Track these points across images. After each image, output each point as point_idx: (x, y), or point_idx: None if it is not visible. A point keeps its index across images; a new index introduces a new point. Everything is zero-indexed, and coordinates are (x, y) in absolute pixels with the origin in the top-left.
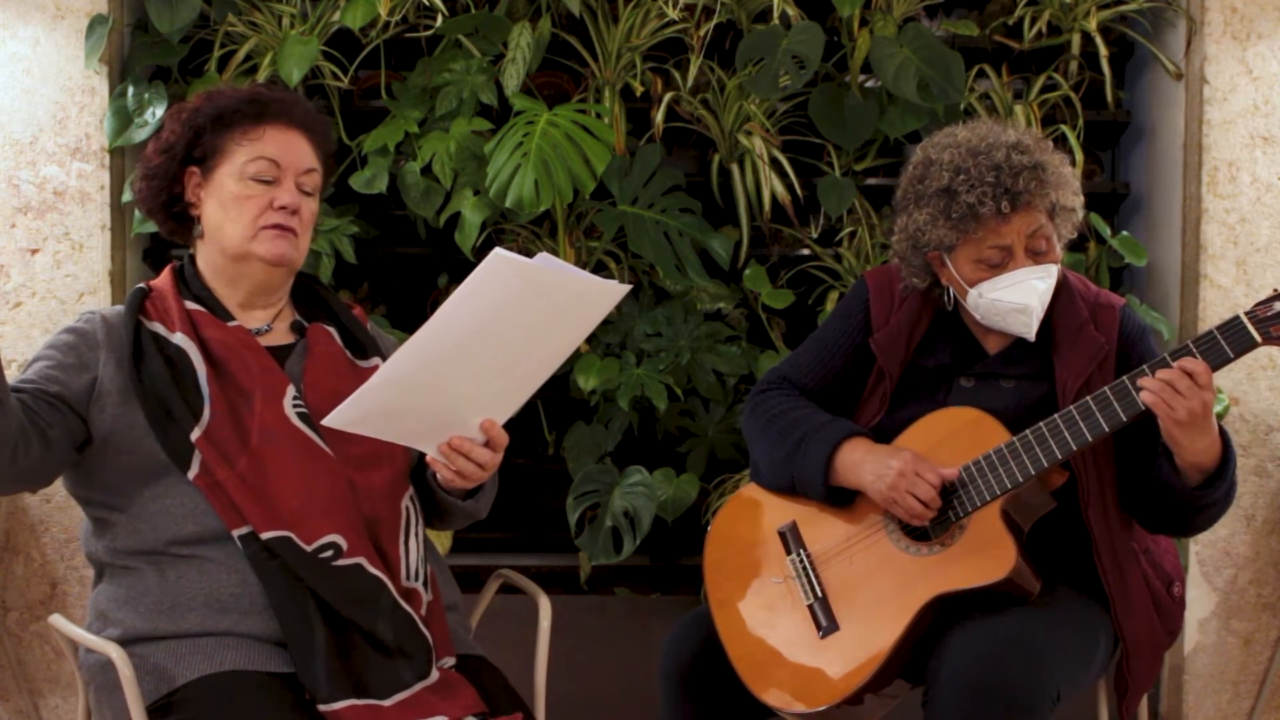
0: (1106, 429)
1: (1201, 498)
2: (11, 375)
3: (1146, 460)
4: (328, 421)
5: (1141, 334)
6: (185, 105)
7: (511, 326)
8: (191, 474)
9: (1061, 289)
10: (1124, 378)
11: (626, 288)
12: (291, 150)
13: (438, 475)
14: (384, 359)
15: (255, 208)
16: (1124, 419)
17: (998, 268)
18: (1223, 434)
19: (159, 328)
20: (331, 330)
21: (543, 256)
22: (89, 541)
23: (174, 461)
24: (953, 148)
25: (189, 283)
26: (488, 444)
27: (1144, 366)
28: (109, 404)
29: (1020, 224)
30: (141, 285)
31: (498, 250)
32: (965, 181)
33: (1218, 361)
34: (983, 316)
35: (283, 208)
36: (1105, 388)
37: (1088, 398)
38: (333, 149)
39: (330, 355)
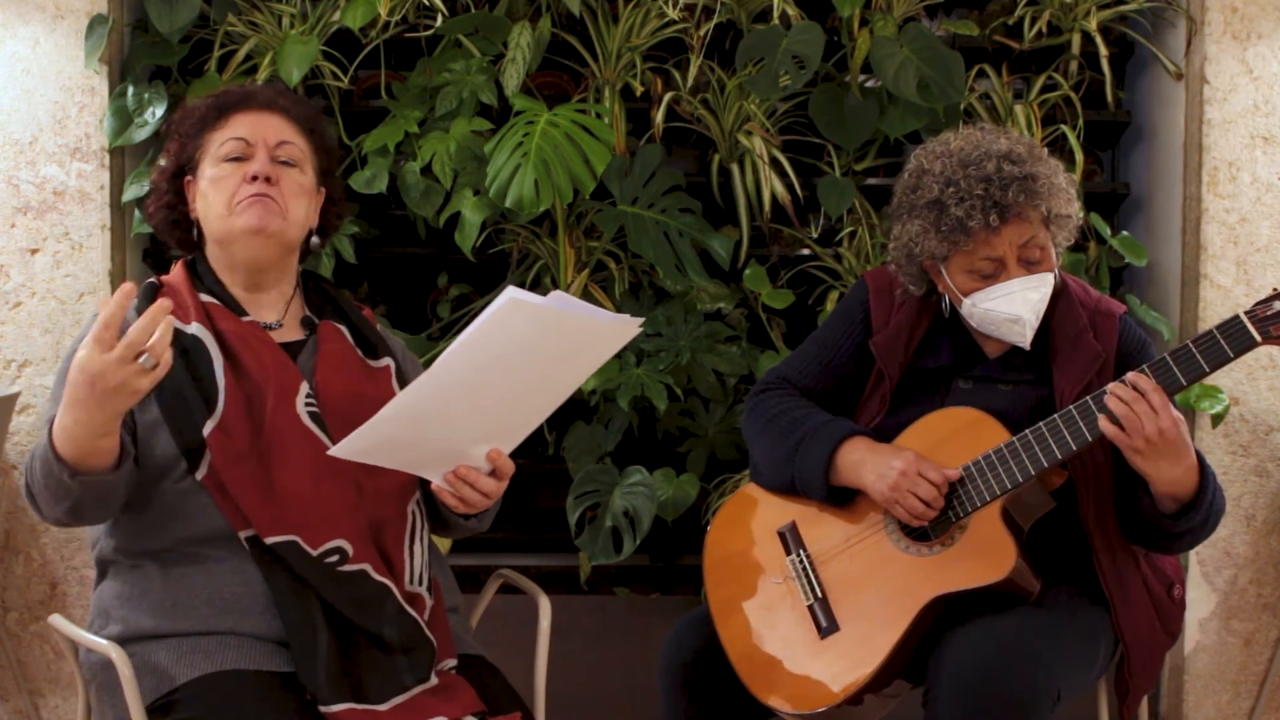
0: None
1: (1173, 526)
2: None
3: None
4: (335, 452)
5: (1141, 345)
6: (170, 122)
7: (523, 364)
8: (200, 474)
9: (1061, 295)
10: (1123, 377)
11: (639, 322)
12: (259, 126)
13: (439, 500)
14: (394, 359)
15: (231, 185)
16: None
17: (991, 278)
18: (1203, 466)
19: (173, 321)
20: (342, 328)
21: (556, 296)
22: (99, 541)
23: (185, 458)
24: (944, 157)
25: (202, 277)
26: (493, 473)
27: (1104, 389)
28: None
29: (1011, 235)
30: (152, 280)
31: (511, 293)
32: (955, 194)
33: (1217, 361)
34: (978, 325)
35: (254, 177)
36: (1105, 388)
37: (1088, 398)
38: (322, 126)
39: (341, 353)
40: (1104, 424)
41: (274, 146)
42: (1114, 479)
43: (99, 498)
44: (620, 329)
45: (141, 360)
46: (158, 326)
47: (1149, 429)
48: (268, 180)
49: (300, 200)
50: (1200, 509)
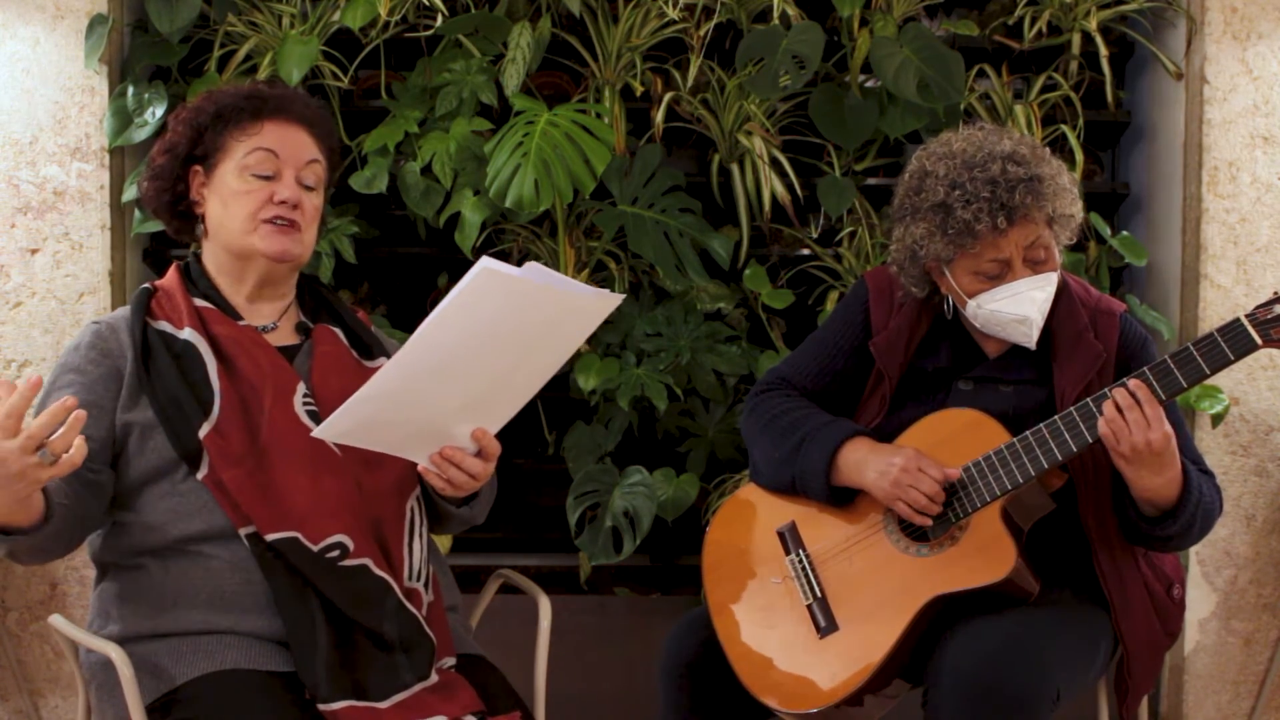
0: None
1: (1151, 530)
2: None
3: None
4: (318, 433)
5: (1142, 343)
6: (187, 105)
7: (502, 338)
8: (201, 474)
9: (1061, 295)
10: (1123, 380)
11: (619, 297)
12: (290, 142)
13: (428, 483)
14: (389, 359)
15: (255, 202)
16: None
17: (996, 279)
18: (1187, 481)
19: (166, 326)
20: (337, 331)
21: (531, 267)
22: (95, 541)
23: (184, 460)
24: (948, 159)
25: (196, 281)
26: (479, 454)
27: (1105, 390)
28: (122, 403)
29: (1017, 236)
30: (146, 285)
31: (485, 263)
32: (961, 197)
33: (1218, 364)
34: (983, 325)
35: (282, 202)
36: (1106, 389)
37: (1088, 399)
38: (337, 143)
39: (337, 355)
40: (1101, 425)
41: (301, 168)
42: (1116, 479)
43: (29, 548)
44: (599, 303)
45: (39, 454)
46: (59, 423)
47: (1137, 439)
48: (294, 207)
49: (315, 223)
50: (1178, 520)
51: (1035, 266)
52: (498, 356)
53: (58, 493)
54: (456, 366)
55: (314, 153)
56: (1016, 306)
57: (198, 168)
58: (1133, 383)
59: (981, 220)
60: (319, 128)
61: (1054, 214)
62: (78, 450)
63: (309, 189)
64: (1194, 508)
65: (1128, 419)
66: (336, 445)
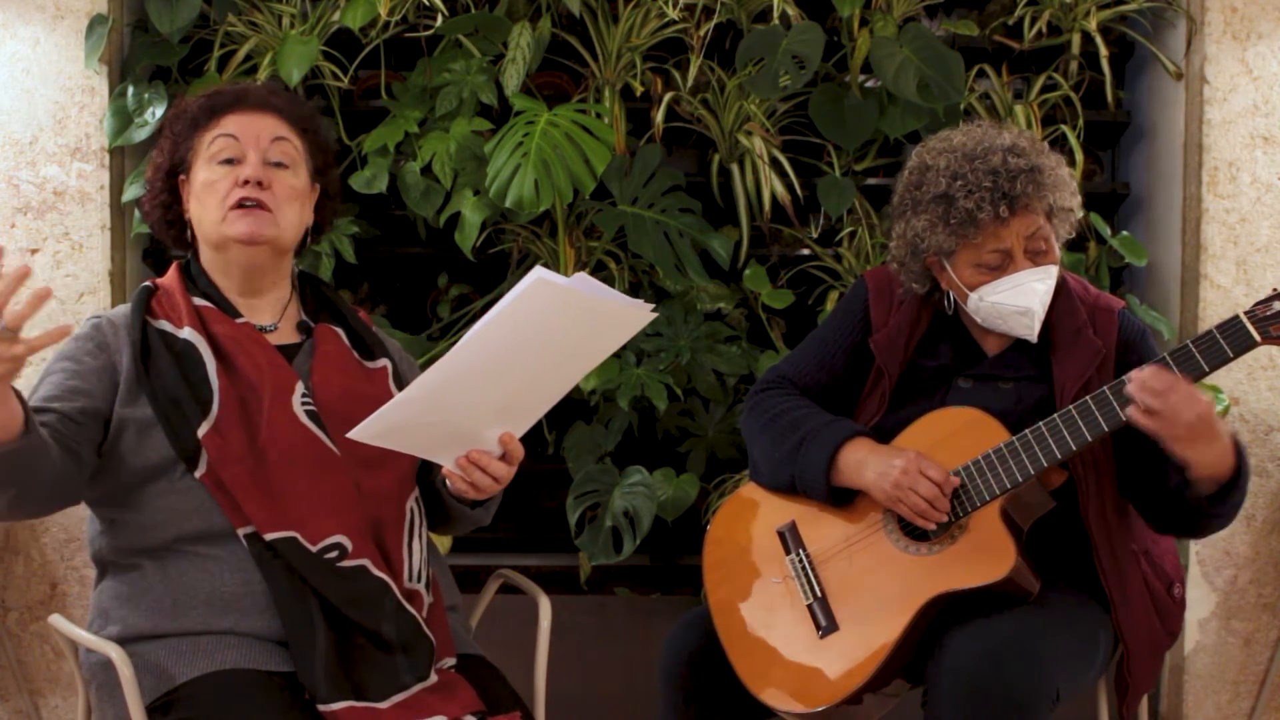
0: (1106, 429)
1: (1212, 507)
2: (21, 381)
3: (1148, 460)
4: (353, 435)
5: (1141, 337)
6: (165, 120)
7: (543, 345)
8: (199, 472)
9: (1060, 291)
10: (1123, 378)
11: (651, 308)
12: (251, 125)
13: (450, 485)
14: (391, 360)
15: (223, 189)
16: (1124, 419)
17: (997, 270)
18: (1235, 440)
19: (166, 325)
20: (338, 330)
21: (580, 278)
22: (95, 540)
23: (182, 459)
24: (948, 153)
25: (196, 279)
26: (503, 457)
27: (1103, 389)
28: (120, 399)
29: (1019, 227)
30: (147, 284)
31: (539, 273)
32: (963, 187)
33: (1217, 361)
34: (984, 319)
35: (245, 181)
36: (1104, 387)
37: (1087, 398)
38: (316, 124)
39: (338, 354)
40: (1141, 417)
41: (266, 146)
42: (1121, 476)
43: (6, 471)
44: (636, 314)
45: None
46: (13, 293)
47: (1187, 415)
48: (259, 185)
49: (293, 203)
50: (1239, 485)
51: (1036, 258)
52: (536, 363)
53: (33, 421)
54: (497, 372)
55: (280, 131)
56: (1018, 298)
57: (184, 178)
58: (1151, 368)
59: (984, 209)
60: (285, 110)
61: (1054, 205)
62: (31, 298)
63: (281, 167)
64: (1247, 464)
65: (1172, 401)
66: (336, 445)
